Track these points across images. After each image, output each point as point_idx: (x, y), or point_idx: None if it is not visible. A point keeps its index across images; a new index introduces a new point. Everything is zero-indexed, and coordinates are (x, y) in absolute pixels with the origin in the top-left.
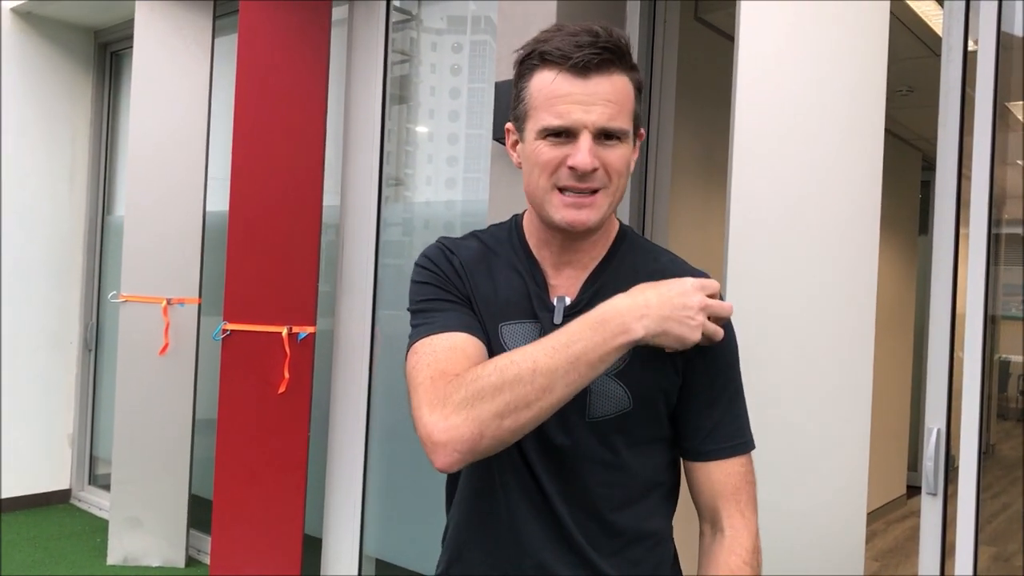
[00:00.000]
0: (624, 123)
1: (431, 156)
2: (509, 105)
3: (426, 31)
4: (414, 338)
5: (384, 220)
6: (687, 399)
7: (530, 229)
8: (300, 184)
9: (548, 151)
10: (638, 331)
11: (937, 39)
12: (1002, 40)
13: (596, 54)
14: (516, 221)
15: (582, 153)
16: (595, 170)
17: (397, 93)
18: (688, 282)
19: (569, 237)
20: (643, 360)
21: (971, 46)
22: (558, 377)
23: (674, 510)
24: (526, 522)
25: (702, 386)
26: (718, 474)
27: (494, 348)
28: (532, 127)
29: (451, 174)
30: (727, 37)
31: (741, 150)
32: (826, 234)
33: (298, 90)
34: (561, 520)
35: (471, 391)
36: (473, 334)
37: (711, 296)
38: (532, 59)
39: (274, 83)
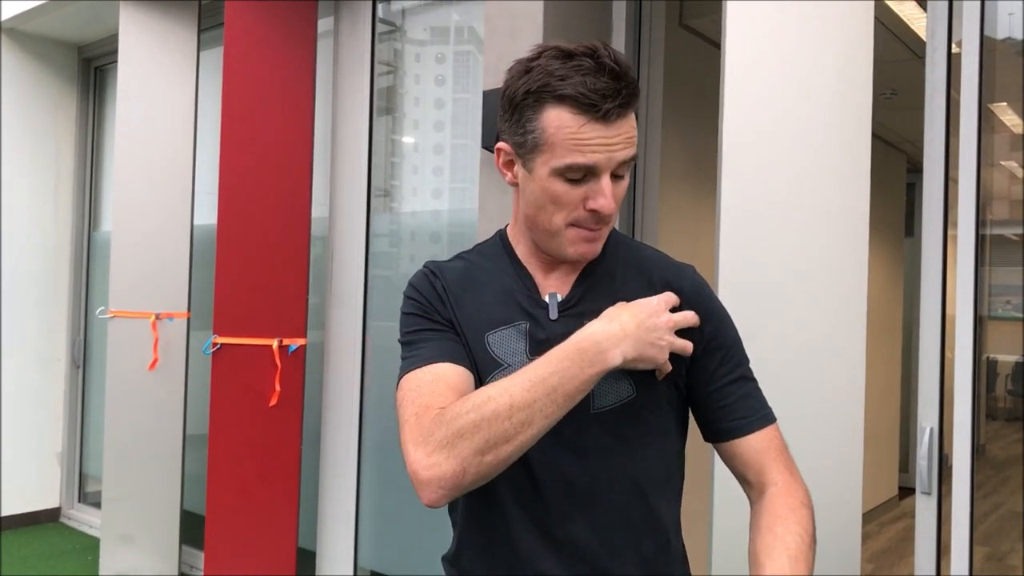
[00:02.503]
0: (635, 151)
1: (417, 167)
2: (502, 118)
3: (410, 42)
4: (401, 372)
5: (372, 231)
6: (709, 383)
7: (516, 239)
8: (288, 196)
9: (567, 191)
10: (615, 359)
11: (920, 42)
12: (985, 42)
13: (623, 102)
14: (501, 234)
15: (606, 197)
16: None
17: (383, 104)
18: (656, 302)
19: None
20: None
21: (954, 48)
22: (536, 411)
23: (680, 504)
24: (523, 529)
25: (717, 368)
26: (758, 442)
27: (482, 360)
28: (547, 162)
29: (437, 184)
30: (712, 44)
31: (729, 155)
32: (815, 237)
33: (285, 102)
34: (563, 521)
35: (451, 430)
36: (456, 362)
37: (672, 309)
38: (547, 95)
39: (261, 96)
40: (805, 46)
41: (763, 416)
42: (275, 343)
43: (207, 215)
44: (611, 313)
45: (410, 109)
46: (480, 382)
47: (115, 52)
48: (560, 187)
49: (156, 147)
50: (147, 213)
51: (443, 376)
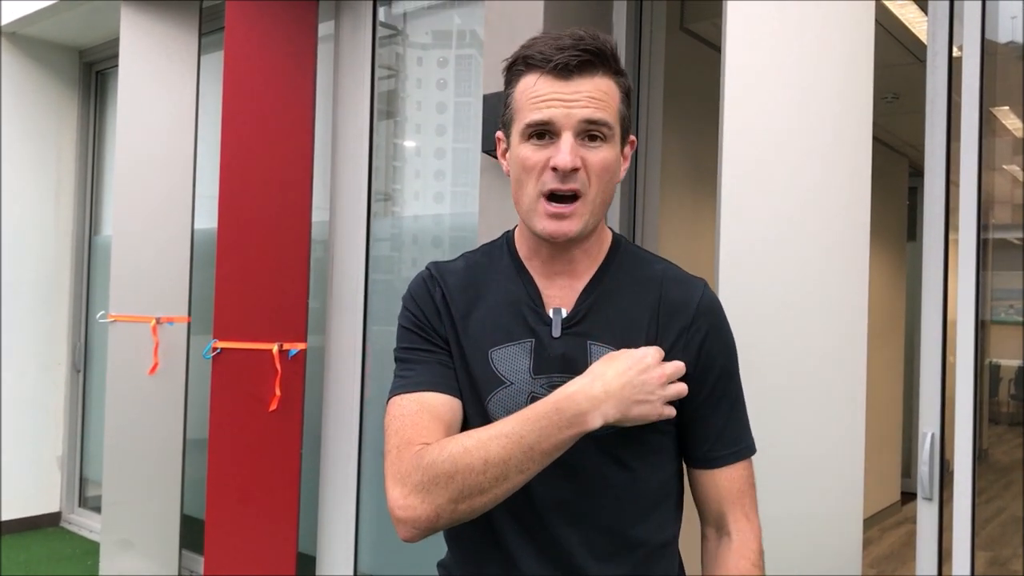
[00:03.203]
0: (608, 117)
1: (419, 171)
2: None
3: (411, 46)
4: (391, 392)
5: (373, 235)
6: (692, 409)
7: (520, 240)
8: (289, 200)
9: (532, 154)
10: (595, 421)
11: (921, 45)
12: (986, 45)
13: (577, 55)
14: (508, 236)
15: (563, 152)
16: (576, 170)
17: (384, 108)
18: (646, 355)
19: (558, 247)
20: None
21: (956, 52)
22: (511, 467)
23: (680, 523)
24: (523, 550)
25: (706, 395)
26: (723, 480)
27: (484, 375)
28: (516, 129)
29: (439, 188)
30: (713, 47)
31: (730, 158)
32: (817, 241)
33: (285, 106)
34: (558, 538)
35: (427, 476)
36: (443, 390)
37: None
38: (517, 65)
39: (261, 100)
40: (806, 50)
41: (734, 452)
42: (275, 347)
43: (208, 219)
44: (595, 371)
45: (412, 113)
46: (480, 397)
47: (116, 56)
48: (527, 150)
49: (157, 151)
50: (148, 217)
51: (428, 406)
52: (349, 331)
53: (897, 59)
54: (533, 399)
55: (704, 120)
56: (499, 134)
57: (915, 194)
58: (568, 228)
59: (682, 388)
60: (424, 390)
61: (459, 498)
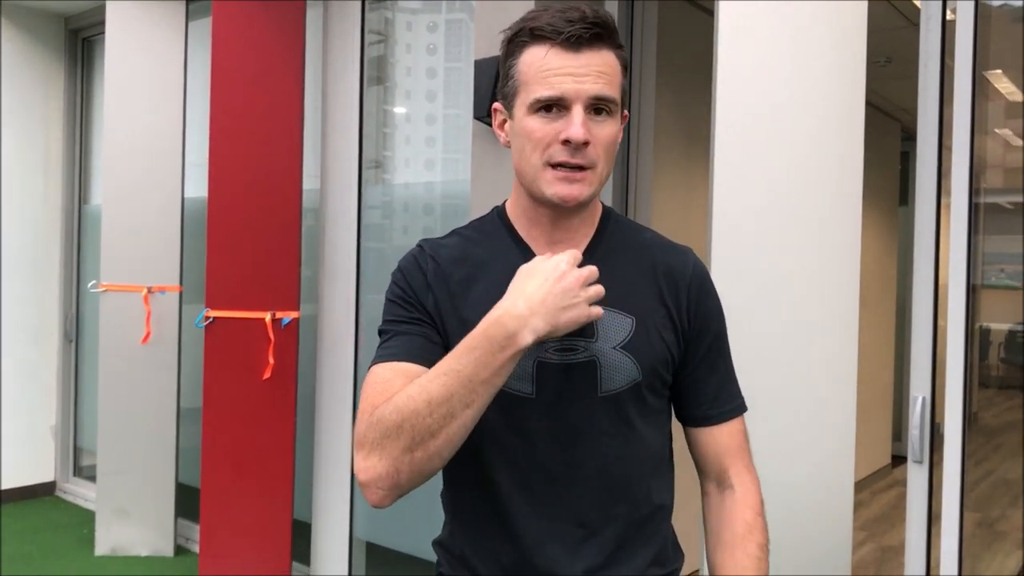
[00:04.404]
0: (614, 93)
1: (409, 137)
2: (493, 84)
3: (401, 10)
4: (372, 362)
5: (364, 203)
6: (689, 368)
7: (516, 213)
8: (279, 168)
9: (540, 127)
10: (526, 338)
11: (914, 9)
12: (979, 8)
13: (587, 28)
14: (499, 211)
15: (575, 126)
16: (587, 143)
17: (374, 74)
18: (560, 260)
19: (560, 214)
20: (649, 330)
21: (949, 15)
22: (456, 403)
23: (673, 476)
24: (529, 516)
25: (703, 356)
26: (723, 435)
27: None
28: (523, 102)
29: (430, 155)
30: (706, 12)
31: (723, 124)
32: (809, 206)
33: (275, 73)
34: (573, 504)
35: (379, 432)
36: (421, 361)
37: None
38: (522, 36)
39: (250, 66)
40: (799, 14)
41: (731, 409)
42: (268, 316)
43: (198, 187)
44: (515, 288)
45: (402, 79)
46: None
47: (103, 23)
48: (535, 123)
49: (145, 119)
50: (137, 186)
51: (403, 374)
52: (342, 299)
53: (890, 23)
54: (540, 365)
55: (697, 85)
56: (497, 105)
57: (907, 159)
58: (579, 192)
59: (599, 289)
60: (402, 360)
61: (412, 446)
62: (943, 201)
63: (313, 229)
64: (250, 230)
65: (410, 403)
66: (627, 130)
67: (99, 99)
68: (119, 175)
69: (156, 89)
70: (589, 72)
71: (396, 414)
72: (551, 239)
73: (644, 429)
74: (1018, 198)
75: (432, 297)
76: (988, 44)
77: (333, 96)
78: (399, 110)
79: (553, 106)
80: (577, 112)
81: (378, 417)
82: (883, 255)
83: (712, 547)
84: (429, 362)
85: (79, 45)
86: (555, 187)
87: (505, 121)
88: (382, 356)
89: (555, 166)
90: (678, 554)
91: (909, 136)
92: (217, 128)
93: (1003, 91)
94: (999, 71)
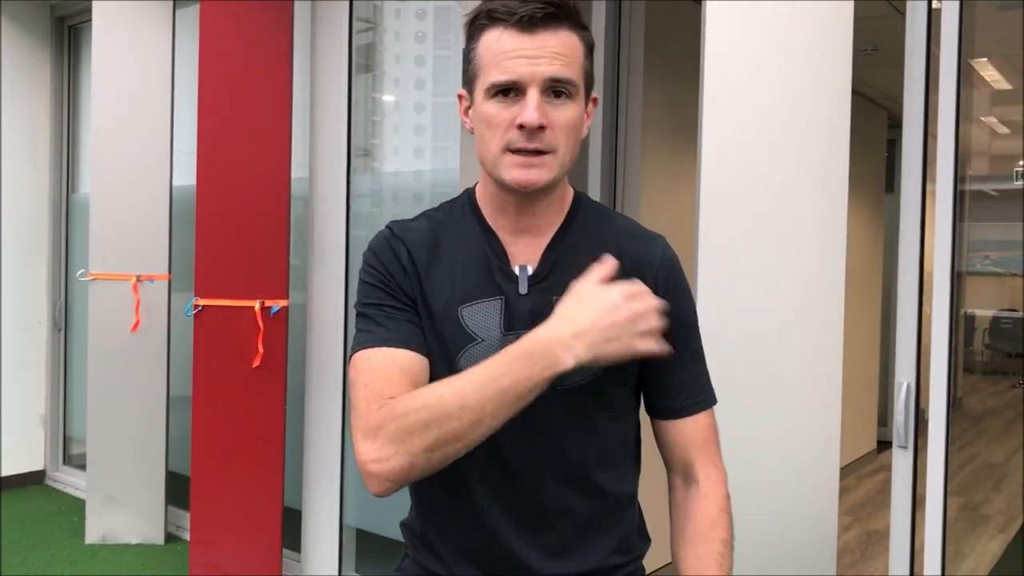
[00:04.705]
0: (573, 75)
1: (398, 126)
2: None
3: None
4: (355, 347)
5: (353, 191)
6: (658, 361)
7: (484, 198)
8: (268, 156)
9: (497, 112)
10: (568, 362)
11: None
12: None
13: (541, 8)
14: (468, 194)
15: (529, 110)
16: (543, 128)
17: (362, 62)
18: (615, 293)
19: (525, 200)
20: None
21: (935, 4)
22: (487, 411)
23: (640, 470)
24: (490, 504)
25: (676, 346)
26: (689, 429)
27: (454, 333)
28: (481, 86)
29: (419, 143)
30: (694, 0)
31: (711, 112)
32: (796, 194)
33: (263, 61)
34: (531, 495)
35: (401, 426)
36: (412, 347)
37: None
38: (480, 19)
39: (238, 54)
40: (785, 4)
41: (700, 401)
42: (257, 304)
43: (186, 176)
44: (565, 311)
45: (390, 67)
46: (451, 355)
47: (89, 11)
48: (492, 108)
49: (133, 107)
50: (125, 174)
51: (398, 361)
52: (331, 288)
53: (877, 11)
54: None
55: (685, 73)
56: (461, 91)
57: (893, 146)
58: (537, 177)
59: (653, 324)
60: (393, 345)
61: (435, 446)
62: (928, 188)
63: (302, 217)
64: (239, 218)
65: (441, 403)
66: (614, 120)
67: (86, 87)
68: (107, 163)
69: (144, 77)
70: (544, 54)
71: (426, 412)
72: (517, 226)
73: (605, 422)
74: (1003, 185)
75: (408, 282)
76: (974, 33)
77: (321, 84)
78: (388, 98)
79: (510, 90)
80: (532, 96)
81: (403, 410)
82: (869, 242)
83: (676, 542)
84: (420, 347)
85: (66, 33)
86: (513, 172)
87: (469, 107)
88: (370, 340)
89: (514, 152)
90: (644, 541)
91: (895, 124)
92: (205, 115)
93: (988, 79)
94: (984, 59)
